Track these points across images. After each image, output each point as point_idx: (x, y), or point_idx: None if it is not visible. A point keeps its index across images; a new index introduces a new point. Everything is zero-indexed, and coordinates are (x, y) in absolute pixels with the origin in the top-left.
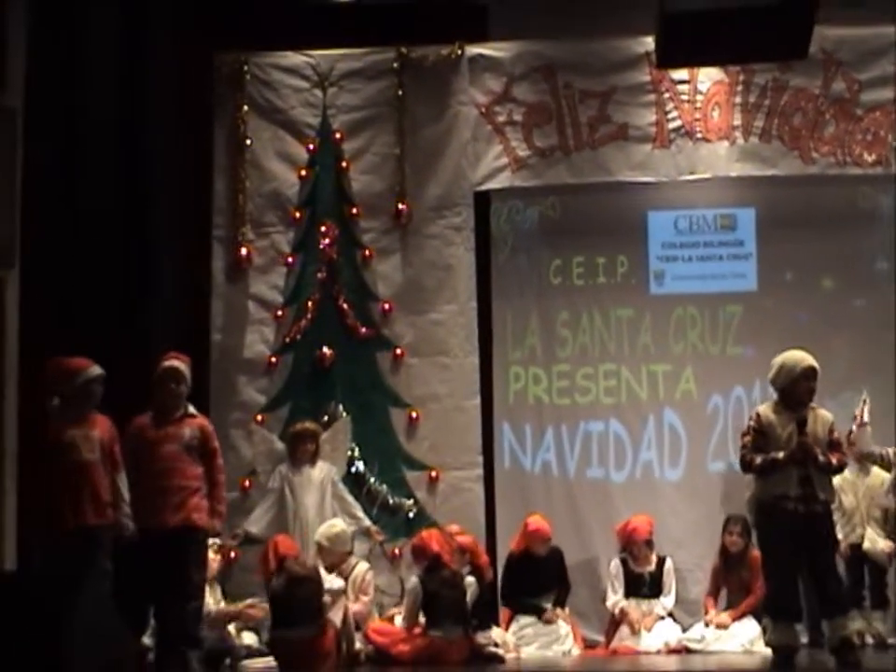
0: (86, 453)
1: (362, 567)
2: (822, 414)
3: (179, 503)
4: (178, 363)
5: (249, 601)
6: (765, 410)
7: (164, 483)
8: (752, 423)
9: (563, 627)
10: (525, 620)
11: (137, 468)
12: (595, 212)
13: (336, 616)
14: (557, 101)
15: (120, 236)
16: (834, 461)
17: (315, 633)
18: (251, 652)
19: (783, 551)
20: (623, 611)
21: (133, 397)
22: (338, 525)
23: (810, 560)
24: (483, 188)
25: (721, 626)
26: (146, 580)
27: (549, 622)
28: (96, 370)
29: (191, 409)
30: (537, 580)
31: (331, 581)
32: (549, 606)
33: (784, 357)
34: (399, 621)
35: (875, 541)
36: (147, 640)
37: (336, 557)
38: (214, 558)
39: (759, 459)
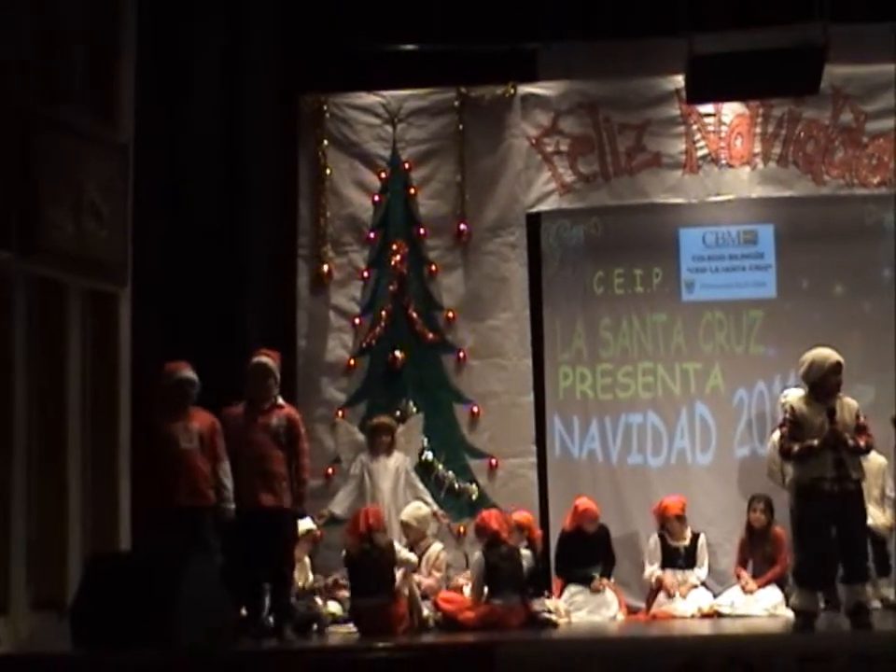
0: (184, 443)
1: (437, 546)
2: (848, 402)
3: (270, 486)
4: (266, 358)
5: (335, 576)
6: (798, 402)
7: (257, 467)
8: (787, 415)
9: (609, 595)
10: (575, 589)
11: (231, 454)
12: (632, 230)
13: (405, 587)
14: (599, 133)
15: (218, 256)
16: (863, 443)
17: (388, 601)
18: (336, 620)
19: (818, 526)
20: (659, 580)
21: (230, 394)
22: (423, 508)
23: (842, 533)
24: (534, 210)
25: (748, 592)
26: (246, 556)
27: (596, 590)
28: (185, 373)
29: (280, 400)
30: (586, 554)
31: (406, 556)
32: (597, 576)
33: (813, 354)
34: (465, 591)
35: (876, 517)
36: (243, 611)
37: (418, 535)
38: (306, 538)
39: (796, 447)
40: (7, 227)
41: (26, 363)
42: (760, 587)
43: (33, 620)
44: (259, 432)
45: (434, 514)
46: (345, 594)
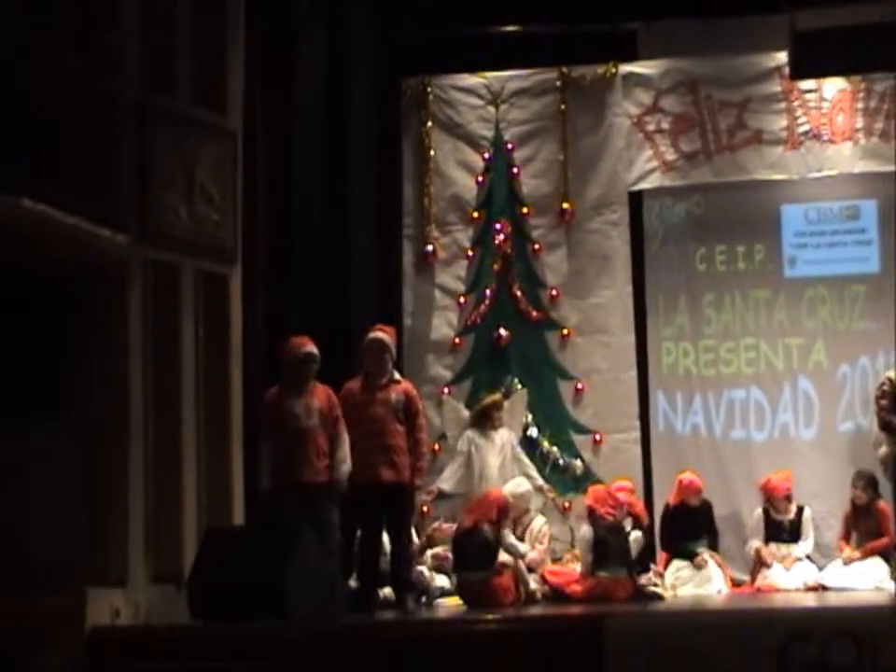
0: (305, 420)
1: (539, 520)
2: None
3: (390, 461)
4: (383, 334)
5: (439, 549)
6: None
7: (375, 442)
8: (886, 388)
9: (713, 569)
10: (680, 563)
11: (350, 428)
12: (734, 207)
13: (511, 561)
14: (700, 111)
15: (325, 236)
16: None
17: (491, 574)
18: (444, 593)
19: None
20: (757, 551)
21: (339, 372)
22: (523, 485)
23: None
24: (636, 188)
25: (849, 561)
26: (365, 530)
27: (699, 566)
28: (309, 348)
29: (397, 375)
30: (690, 528)
31: (517, 545)
32: (702, 551)
33: None
34: (571, 565)
35: None
36: (352, 583)
37: (518, 512)
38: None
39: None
40: (123, 212)
41: (142, 344)
42: (863, 557)
43: (151, 593)
44: (378, 407)
45: (540, 489)
46: (449, 560)
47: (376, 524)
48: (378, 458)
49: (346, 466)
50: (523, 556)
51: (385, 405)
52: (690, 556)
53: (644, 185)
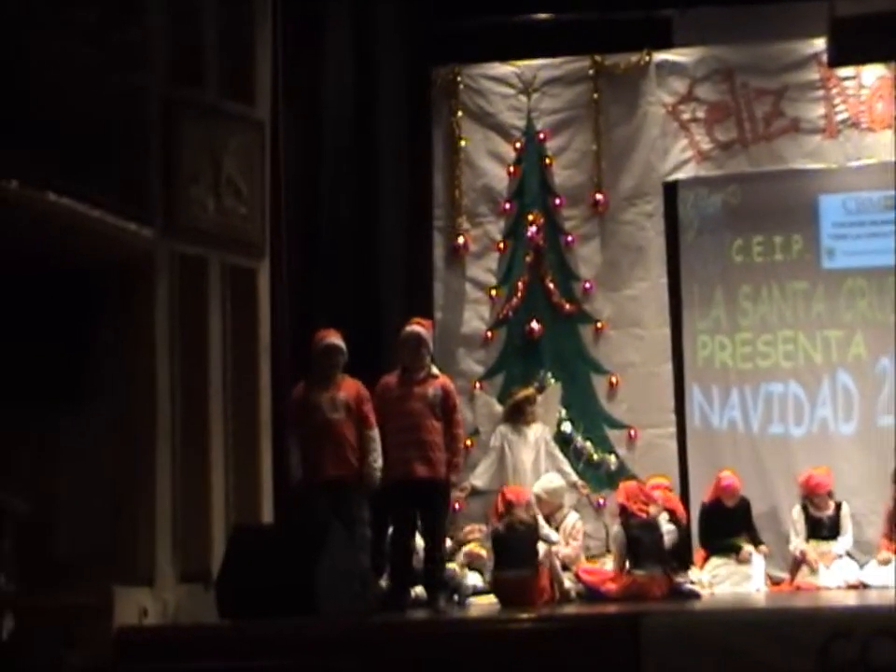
0: (329, 412)
1: (573, 516)
2: None
3: (426, 457)
4: (419, 328)
5: (475, 542)
6: None
7: (411, 437)
8: None
9: (753, 567)
10: (718, 561)
11: (385, 423)
12: (771, 197)
13: (546, 559)
14: (736, 99)
15: (354, 229)
16: None
17: (531, 573)
18: (476, 591)
19: None
20: (803, 553)
21: (369, 365)
22: (556, 480)
23: None
24: (671, 178)
25: (885, 562)
26: (398, 527)
27: (743, 560)
28: (332, 339)
29: (434, 369)
30: (728, 526)
31: (550, 533)
32: (743, 546)
33: None
34: (606, 562)
35: None
36: (383, 583)
37: (551, 508)
38: None
39: None
40: (150, 205)
41: (168, 338)
42: None
43: (179, 591)
44: (415, 402)
45: (574, 485)
46: (481, 554)
47: (410, 521)
48: (413, 454)
49: (376, 460)
50: (555, 543)
51: (421, 400)
52: (729, 552)
53: (679, 175)
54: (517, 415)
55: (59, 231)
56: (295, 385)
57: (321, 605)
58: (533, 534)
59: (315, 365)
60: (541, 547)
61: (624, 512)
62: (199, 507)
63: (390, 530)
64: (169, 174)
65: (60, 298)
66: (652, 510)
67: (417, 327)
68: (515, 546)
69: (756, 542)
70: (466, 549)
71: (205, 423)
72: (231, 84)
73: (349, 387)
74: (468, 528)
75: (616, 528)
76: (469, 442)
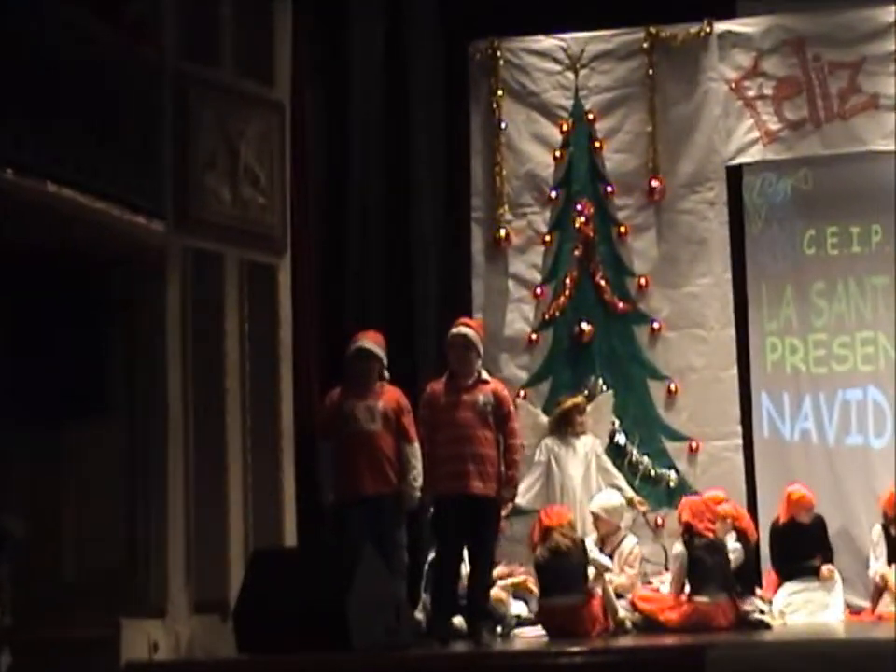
0: (365, 423)
1: (630, 540)
2: None
3: (479, 471)
4: (467, 329)
5: (521, 577)
6: None
7: (462, 450)
8: None
9: (832, 594)
10: (792, 587)
11: (432, 434)
12: (847, 182)
13: (598, 585)
14: (807, 73)
15: (385, 221)
16: None
17: (580, 601)
18: (521, 621)
19: None
20: (884, 578)
21: (402, 371)
22: (615, 497)
23: None
24: (735, 162)
25: None
26: (443, 550)
27: (826, 579)
28: (362, 343)
29: (485, 374)
30: (801, 547)
31: (600, 558)
32: (823, 567)
33: None
34: (663, 588)
35: None
36: (418, 615)
37: (609, 528)
38: None
39: None
40: (160, 196)
41: (181, 343)
42: None
43: (193, 623)
44: (465, 411)
45: (630, 502)
46: (532, 589)
47: (458, 543)
48: (465, 468)
49: (416, 478)
50: (608, 570)
51: (471, 408)
52: (805, 575)
53: (744, 158)
54: (565, 426)
55: (59, 225)
56: (324, 393)
57: (352, 638)
58: (580, 556)
59: (348, 371)
60: (591, 571)
61: (689, 531)
62: (215, 529)
63: (431, 554)
64: (181, 161)
65: (60, 299)
66: (719, 528)
67: (464, 328)
68: (561, 571)
69: (831, 562)
70: (512, 580)
71: (222, 437)
72: (248, 62)
73: (389, 397)
74: (505, 569)
75: (678, 548)
76: None
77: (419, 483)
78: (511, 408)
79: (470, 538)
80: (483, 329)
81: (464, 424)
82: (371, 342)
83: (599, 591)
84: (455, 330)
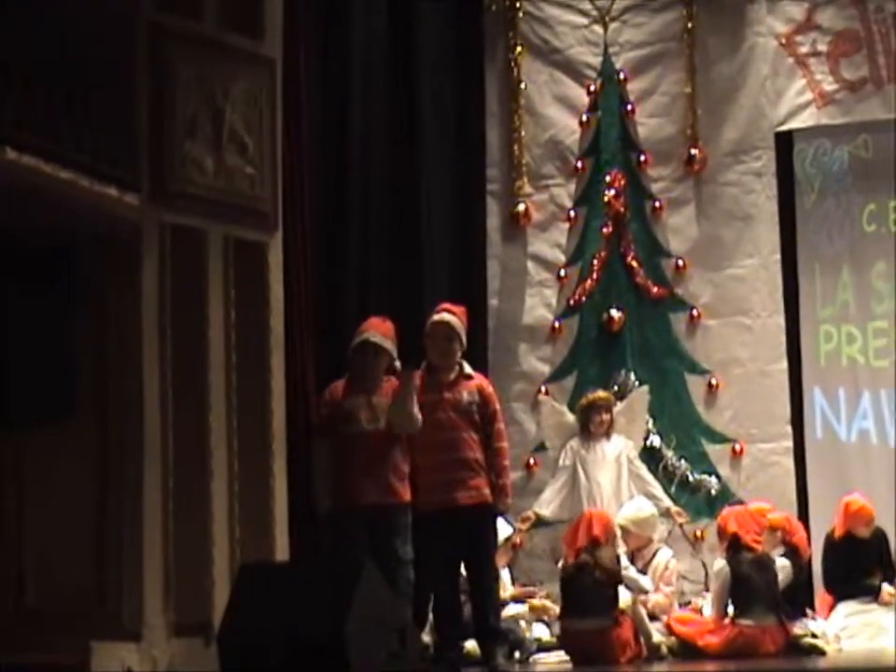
0: (367, 423)
1: (665, 554)
2: None
3: (465, 479)
4: (450, 316)
5: (540, 601)
6: None
7: (445, 456)
8: None
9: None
10: (847, 609)
11: (409, 439)
12: None
13: (629, 607)
14: (867, 27)
15: (390, 194)
16: None
17: (609, 624)
18: (542, 646)
19: None
20: None
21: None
22: (646, 508)
23: None
24: (785, 127)
25: None
26: (438, 568)
27: (885, 603)
28: (361, 336)
29: (467, 368)
30: (859, 564)
31: (639, 578)
32: (884, 586)
33: None
34: (706, 609)
35: None
36: (425, 638)
37: (639, 542)
38: (503, 547)
39: None
40: (134, 165)
41: (158, 331)
42: None
43: (172, 647)
44: (446, 410)
45: (667, 512)
46: (553, 611)
47: (453, 559)
48: (450, 477)
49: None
50: (646, 592)
51: (454, 408)
52: (863, 595)
53: (795, 123)
54: (587, 425)
55: (19, 198)
56: (320, 390)
57: (351, 665)
58: (614, 576)
59: (351, 365)
60: (625, 593)
61: (735, 544)
62: (197, 543)
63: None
64: (158, 125)
65: (19, 283)
66: (767, 542)
67: (446, 314)
68: (589, 589)
69: (892, 582)
70: (532, 602)
71: (204, 437)
72: (234, 13)
73: (393, 391)
74: (519, 590)
75: (721, 564)
76: (532, 461)
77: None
78: (497, 406)
79: (466, 555)
80: (465, 315)
81: (447, 425)
82: (379, 333)
83: (630, 613)
84: (436, 318)
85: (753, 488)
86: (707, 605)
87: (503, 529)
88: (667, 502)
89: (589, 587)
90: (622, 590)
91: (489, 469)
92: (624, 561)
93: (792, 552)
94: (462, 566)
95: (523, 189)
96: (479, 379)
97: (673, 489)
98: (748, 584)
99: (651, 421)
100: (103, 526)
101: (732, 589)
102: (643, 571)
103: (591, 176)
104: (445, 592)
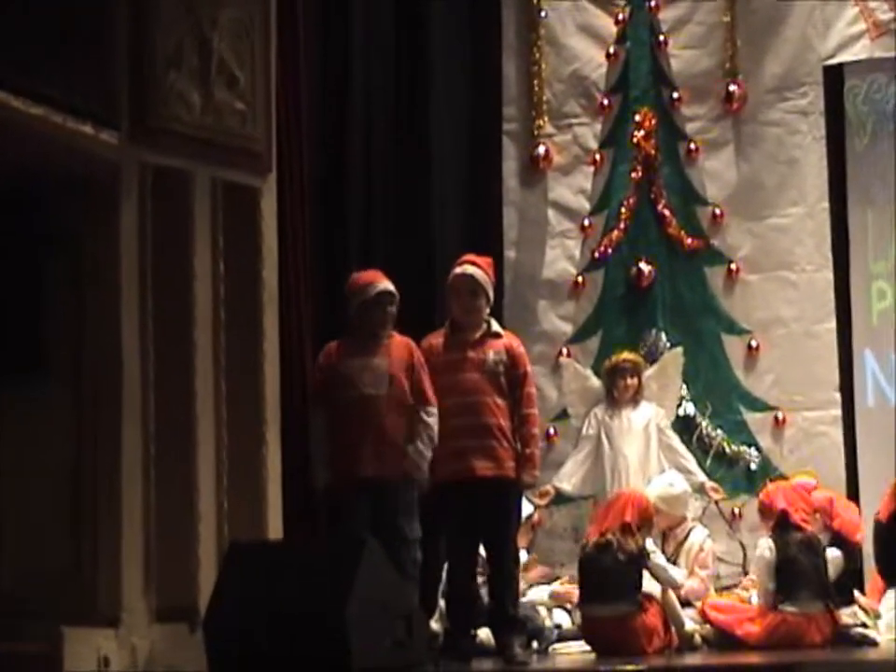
0: (367, 387)
1: (700, 534)
2: None
3: (489, 448)
4: (474, 268)
5: (564, 584)
6: None
7: (466, 421)
8: None
9: None
10: None
11: None
12: None
13: (657, 591)
14: None
15: (396, 135)
16: None
17: (633, 610)
18: (562, 635)
19: None
20: None
21: (417, 324)
22: (677, 484)
23: None
24: (835, 61)
25: None
26: (453, 548)
27: None
28: (377, 286)
29: (495, 326)
30: None
31: (669, 568)
32: None
33: None
34: (742, 595)
35: None
36: (434, 625)
37: (671, 521)
38: (522, 526)
39: None
40: (112, 100)
41: (139, 284)
42: None
43: (154, 634)
44: (470, 372)
45: (701, 488)
46: (573, 601)
47: (469, 537)
48: (470, 444)
49: (427, 447)
50: (678, 587)
51: (478, 369)
52: None
53: (845, 56)
54: (613, 390)
55: None
56: (318, 350)
57: (353, 655)
58: (637, 559)
59: (357, 321)
60: (650, 585)
61: (783, 523)
62: (181, 518)
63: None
64: (138, 56)
65: None
66: (814, 521)
67: (470, 267)
68: (610, 572)
69: None
70: (553, 588)
71: (189, 402)
72: None
73: (398, 351)
74: (539, 572)
75: (765, 545)
76: (552, 430)
77: (428, 454)
78: (529, 368)
79: (484, 532)
80: (491, 268)
81: (469, 388)
82: (389, 282)
83: (658, 597)
84: (458, 270)
85: (797, 461)
86: (754, 594)
87: (525, 508)
88: (702, 477)
89: (610, 569)
90: (648, 581)
91: (515, 438)
92: (651, 546)
93: (839, 538)
94: (480, 546)
95: (543, 129)
96: (508, 338)
97: (708, 462)
98: (794, 567)
99: (684, 387)
100: (77, 500)
101: (777, 572)
102: (675, 555)
103: (618, 115)
104: (458, 575)
